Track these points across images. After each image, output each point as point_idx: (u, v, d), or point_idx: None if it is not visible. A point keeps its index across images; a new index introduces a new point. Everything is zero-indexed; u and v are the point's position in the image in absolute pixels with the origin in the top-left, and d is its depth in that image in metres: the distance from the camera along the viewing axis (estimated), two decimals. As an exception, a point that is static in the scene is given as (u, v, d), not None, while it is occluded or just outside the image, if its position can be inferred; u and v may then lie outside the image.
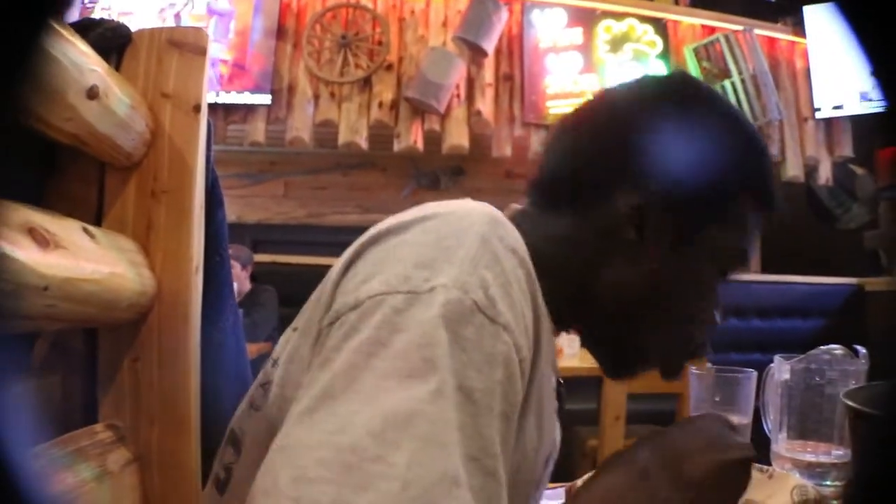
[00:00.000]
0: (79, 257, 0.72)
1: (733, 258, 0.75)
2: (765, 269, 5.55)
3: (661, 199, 0.70)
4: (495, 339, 0.50)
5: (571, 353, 2.86)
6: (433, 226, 0.56)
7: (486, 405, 0.48)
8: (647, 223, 0.70)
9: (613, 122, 0.75)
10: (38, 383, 0.86)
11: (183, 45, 0.93)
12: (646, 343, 0.75)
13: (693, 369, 1.01)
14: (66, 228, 0.74)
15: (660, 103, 0.75)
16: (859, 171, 5.16)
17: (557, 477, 0.90)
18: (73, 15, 4.18)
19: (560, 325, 0.73)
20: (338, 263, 0.60)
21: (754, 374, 1.02)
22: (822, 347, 1.05)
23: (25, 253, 0.62)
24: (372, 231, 0.59)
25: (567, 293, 0.70)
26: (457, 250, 0.53)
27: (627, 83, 0.79)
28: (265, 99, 4.24)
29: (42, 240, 0.66)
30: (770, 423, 1.11)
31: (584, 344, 0.79)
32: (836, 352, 1.04)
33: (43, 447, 0.72)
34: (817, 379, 1.03)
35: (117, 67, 0.92)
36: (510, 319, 0.52)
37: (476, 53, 4.35)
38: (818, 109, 4.73)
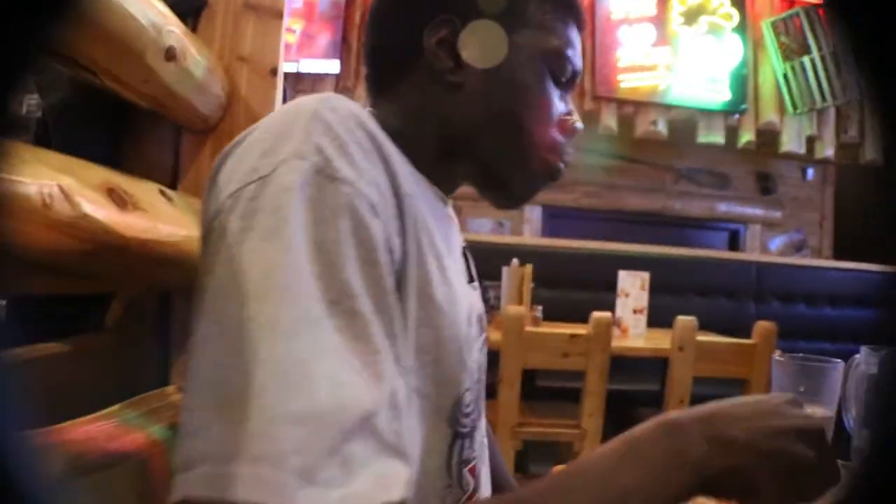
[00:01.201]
0: (156, 219, 0.72)
1: (554, 60, 0.78)
2: (836, 256, 5.38)
3: (461, 23, 0.75)
4: (336, 193, 0.53)
5: (637, 332, 2.82)
6: (270, 121, 0.60)
7: (339, 252, 0.51)
8: (458, 49, 0.75)
9: None
10: (111, 344, 0.87)
11: (259, 8, 0.91)
12: (513, 158, 0.78)
13: (776, 356, 0.97)
14: (144, 190, 0.73)
15: None
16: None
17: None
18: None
19: (448, 187, 0.80)
20: None
21: (841, 364, 0.96)
22: (914, 339, 0.99)
23: (105, 213, 0.62)
24: (228, 145, 0.62)
25: (433, 154, 0.77)
26: (291, 130, 0.56)
27: None
28: (334, 67, 4.24)
29: (121, 200, 0.66)
30: (852, 419, 1.06)
31: (476, 189, 0.83)
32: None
33: (116, 408, 0.72)
34: (908, 373, 0.97)
35: (194, 30, 0.91)
36: (349, 173, 0.55)
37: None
38: (903, 89, 4.52)
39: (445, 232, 0.75)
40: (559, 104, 0.80)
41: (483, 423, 0.80)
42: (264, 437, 0.44)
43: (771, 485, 0.57)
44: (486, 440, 0.84)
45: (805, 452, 0.58)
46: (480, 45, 0.76)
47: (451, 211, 0.84)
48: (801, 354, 0.97)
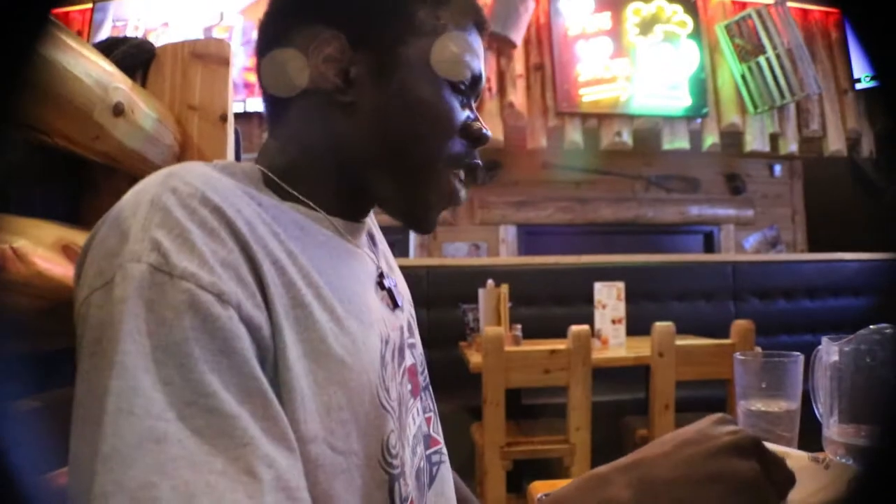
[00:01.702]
0: (114, 272, 0.73)
1: (453, 69, 0.74)
2: (812, 248, 5.46)
3: (345, 39, 0.71)
4: (176, 291, 0.51)
5: (617, 343, 2.84)
6: (116, 212, 0.57)
7: (186, 352, 0.50)
8: (347, 65, 0.71)
9: (276, 5, 0.76)
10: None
11: (206, 56, 0.93)
12: (418, 176, 0.74)
13: (738, 355, 0.99)
14: (101, 244, 0.74)
15: None
16: (905, 141, 5.02)
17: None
18: (103, 33, 4.24)
19: (353, 214, 0.76)
20: None
21: (801, 357, 0.99)
22: (871, 327, 1.02)
23: (61, 270, 0.63)
24: (88, 237, 0.61)
25: (331, 183, 0.73)
26: (131, 224, 0.54)
27: None
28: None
29: (76, 256, 0.67)
30: (820, 408, 1.08)
31: (387, 212, 0.78)
32: (886, 331, 1.00)
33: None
34: (867, 360, 0.99)
35: (143, 83, 0.93)
36: (188, 266, 0.52)
37: (505, 45, 4.33)
38: (857, 81, 4.62)
39: (343, 270, 0.71)
40: (460, 112, 0.76)
41: (410, 453, 0.77)
42: None
43: None
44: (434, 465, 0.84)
45: (744, 465, 0.57)
46: (371, 61, 0.72)
47: (363, 239, 0.80)
48: (760, 350, 0.99)
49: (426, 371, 0.89)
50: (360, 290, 0.72)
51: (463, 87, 0.75)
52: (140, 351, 0.49)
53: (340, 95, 0.71)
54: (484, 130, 0.77)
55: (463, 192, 0.78)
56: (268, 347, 0.56)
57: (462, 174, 0.77)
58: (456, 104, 0.75)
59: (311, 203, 0.71)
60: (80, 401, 0.50)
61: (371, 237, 0.84)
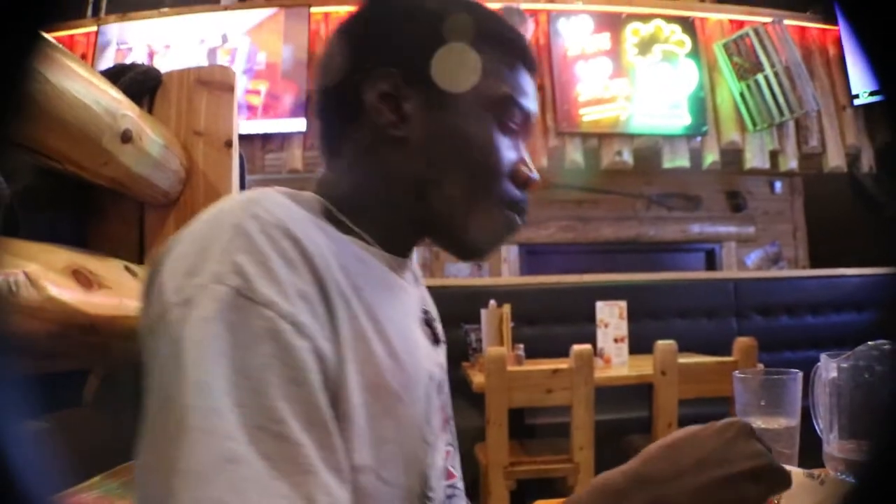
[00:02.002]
0: (122, 295, 0.74)
1: (504, 109, 0.75)
2: (813, 264, 5.46)
3: (401, 76, 0.72)
4: (258, 318, 0.53)
5: (620, 361, 2.84)
6: (195, 231, 0.59)
7: (262, 378, 0.51)
8: (400, 101, 0.72)
9: (339, 33, 0.78)
10: (90, 417, 0.88)
11: (211, 83, 0.95)
12: (467, 212, 0.75)
13: (737, 373, 1.00)
14: (109, 268, 0.76)
15: (371, 4, 0.79)
16: (905, 156, 5.04)
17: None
18: (107, 61, 4.27)
19: (401, 249, 0.77)
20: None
21: (800, 374, 0.99)
22: (869, 343, 1.02)
23: (71, 294, 0.65)
24: (163, 249, 0.62)
25: (384, 216, 0.74)
26: (212, 246, 0.56)
27: None
28: (300, 125, 4.30)
29: (86, 281, 0.68)
30: (821, 424, 1.08)
31: (436, 244, 0.79)
32: (885, 347, 1.01)
33: (97, 479, 0.74)
34: (866, 376, 1.00)
35: (150, 109, 0.95)
36: (269, 294, 0.54)
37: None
38: (856, 97, 4.64)
39: (397, 305, 0.73)
40: (510, 153, 0.77)
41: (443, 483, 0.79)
42: None
43: None
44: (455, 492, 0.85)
45: (753, 491, 0.60)
46: (425, 98, 0.73)
47: (409, 275, 0.80)
48: (762, 367, 1.00)
49: (450, 403, 0.90)
50: (410, 325, 0.74)
51: (513, 126, 0.76)
52: (220, 373, 0.51)
53: (394, 130, 0.72)
54: (531, 175, 0.78)
55: (516, 222, 0.78)
56: (333, 379, 0.58)
57: (516, 207, 0.78)
58: (505, 145, 0.76)
59: (367, 237, 0.72)
60: (154, 412, 0.52)
61: (413, 274, 0.85)
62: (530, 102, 0.78)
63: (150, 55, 4.41)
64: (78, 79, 0.71)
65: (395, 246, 0.76)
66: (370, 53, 0.74)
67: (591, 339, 2.73)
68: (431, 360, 0.77)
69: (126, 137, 0.78)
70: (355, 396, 0.60)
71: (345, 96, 0.74)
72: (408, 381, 0.67)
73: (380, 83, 0.72)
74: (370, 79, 0.72)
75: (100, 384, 0.92)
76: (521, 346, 2.83)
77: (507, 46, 0.77)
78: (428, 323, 0.81)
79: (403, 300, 0.75)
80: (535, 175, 0.78)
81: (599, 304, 2.89)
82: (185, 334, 0.52)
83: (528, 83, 0.78)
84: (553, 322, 3.70)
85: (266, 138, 4.35)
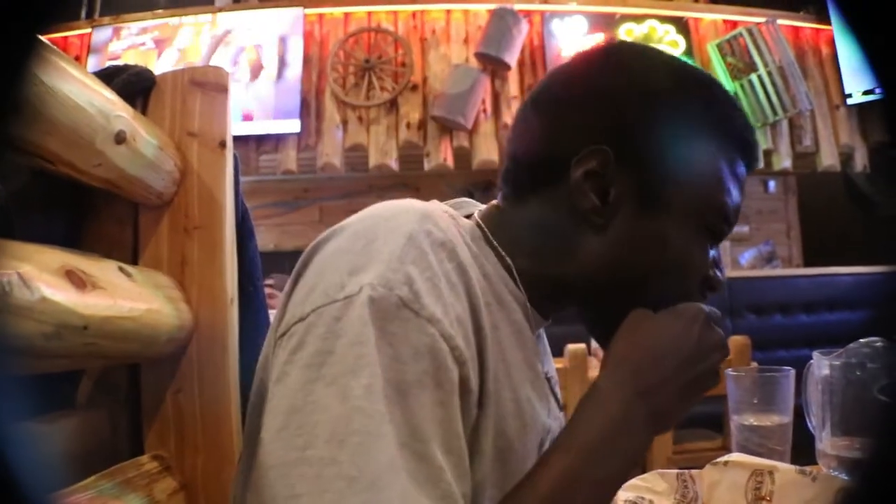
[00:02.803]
0: (116, 296, 0.74)
1: (714, 214, 0.70)
2: (807, 263, 5.47)
3: (617, 159, 0.66)
4: (420, 332, 0.53)
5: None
6: (364, 229, 0.59)
7: (415, 395, 0.52)
8: (607, 187, 0.67)
9: (559, 95, 0.72)
10: (84, 418, 0.88)
11: (205, 84, 0.96)
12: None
13: (729, 371, 1.01)
14: (103, 269, 0.76)
15: (599, 63, 0.73)
16: (898, 155, 5.05)
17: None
18: (101, 62, 4.27)
19: (546, 312, 0.73)
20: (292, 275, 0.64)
21: (792, 372, 1.00)
22: (861, 340, 1.03)
23: (64, 295, 0.65)
24: (316, 240, 0.63)
25: (544, 280, 0.70)
26: (383, 249, 0.55)
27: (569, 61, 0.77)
28: (294, 126, 4.30)
29: (79, 281, 0.69)
30: (813, 421, 1.09)
31: (583, 321, 0.76)
32: (876, 344, 1.02)
33: (91, 480, 0.74)
34: (858, 373, 1.01)
35: (144, 110, 0.95)
36: (436, 311, 0.54)
37: (499, 67, 4.37)
38: (849, 96, 4.65)
39: (527, 360, 0.69)
40: (708, 261, 0.71)
41: None
42: None
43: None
44: None
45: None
46: (635, 191, 0.67)
47: (537, 335, 0.75)
48: (756, 366, 1.01)
49: None
50: (533, 380, 0.70)
51: (716, 232, 0.71)
52: (381, 380, 0.50)
53: (594, 216, 0.67)
54: (720, 279, 0.73)
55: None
56: (469, 411, 0.58)
57: None
58: (706, 253, 0.71)
59: (519, 282, 0.69)
60: (294, 406, 0.51)
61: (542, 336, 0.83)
62: (738, 207, 0.72)
63: (144, 56, 4.41)
64: (71, 80, 0.71)
65: (541, 306, 0.72)
66: (584, 122, 0.68)
67: (586, 338, 2.73)
68: (553, 416, 0.74)
69: (120, 138, 0.78)
70: (488, 434, 0.60)
71: (549, 157, 0.70)
72: (524, 435, 0.66)
73: (590, 160, 0.66)
74: (583, 153, 0.67)
75: (93, 385, 0.92)
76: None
77: (738, 144, 0.72)
78: (552, 388, 0.78)
79: (530, 355, 0.71)
80: (723, 277, 0.73)
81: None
82: (341, 332, 0.52)
83: (743, 188, 0.73)
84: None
85: (260, 139, 4.35)
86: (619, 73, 0.71)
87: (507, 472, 0.63)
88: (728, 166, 0.70)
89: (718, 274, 0.72)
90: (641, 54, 0.75)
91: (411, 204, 0.63)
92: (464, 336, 0.56)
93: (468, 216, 0.73)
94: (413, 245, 0.56)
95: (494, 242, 0.70)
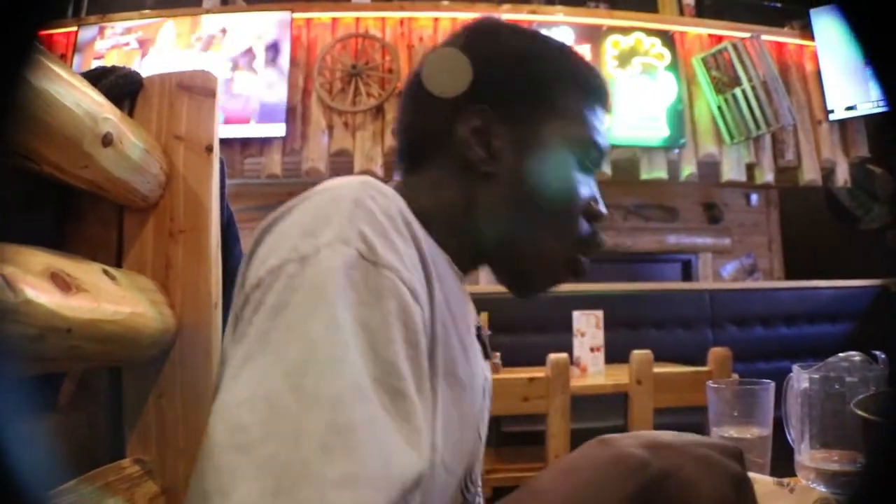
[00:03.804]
0: (100, 299, 0.74)
1: (584, 149, 0.79)
2: (788, 276, 5.53)
3: (493, 113, 0.76)
4: (379, 278, 0.54)
5: (596, 370, 2.86)
6: (312, 202, 0.61)
7: (384, 334, 0.52)
8: (490, 138, 0.76)
9: (432, 68, 0.81)
10: (65, 421, 0.88)
11: (192, 88, 0.95)
12: (538, 252, 0.79)
13: (710, 383, 1.01)
14: (87, 271, 0.76)
15: (464, 36, 0.83)
16: (877, 170, 5.13)
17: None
18: (87, 62, 4.24)
19: (465, 267, 0.80)
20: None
21: (772, 384, 1.01)
22: (840, 354, 1.04)
23: (48, 297, 0.65)
24: (262, 223, 0.64)
25: (456, 236, 0.77)
26: (333, 215, 0.57)
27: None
28: (279, 130, 4.29)
29: (63, 284, 0.68)
30: (792, 433, 1.10)
31: (494, 274, 0.83)
32: (855, 358, 1.03)
33: (71, 484, 0.74)
34: (837, 387, 1.02)
35: (130, 113, 0.94)
36: (392, 260, 0.56)
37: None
38: (831, 111, 4.71)
39: (463, 310, 0.75)
40: (586, 190, 0.80)
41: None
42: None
43: (711, 488, 0.56)
44: None
45: (734, 465, 0.60)
46: (514, 137, 0.77)
47: (465, 289, 0.82)
48: (737, 378, 1.02)
49: None
50: (471, 330, 0.78)
51: (590, 165, 0.81)
52: (347, 318, 0.51)
53: (483, 166, 0.76)
54: (602, 210, 0.81)
55: (584, 267, 0.82)
56: (429, 356, 0.59)
57: (588, 245, 0.81)
58: (582, 182, 0.80)
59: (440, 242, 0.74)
60: (249, 354, 0.51)
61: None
62: (605, 139, 0.83)
63: (128, 57, 4.39)
64: (59, 80, 0.70)
65: (459, 263, 0.78)
66: (468, 88, 0.77)
67: (568, 348, 2.75)
68: (484, 367, 0.81)
69: (107, 141, 0.78)
70: (440, 379, 0.62)
71: (435, 123, 0.79)
72: (472, 376, 0.70)
73: (473, 118, 0.76)
74: (464, 113, 0.76)
75: (75, 388, 0.91)
76: (498, 354, 2.84)
77: (592, 90, 0.82)
78: (479, 337, 0.83)
79: (465, 309, 0.77)
80: (604, 209, 0.82)
81: (576, 314, 2.91)
82: (305, 282, 0.52)
83: (604, 125, 0.83)
84: (530, 331, 3.71)
85: (245, 143, 4.34)
86: (487, 41, 0.82)
87: (464, 415, 0.67)
88: (589, 110, 0.81)
89: (600, 207, 0.81)
90: (504, 25, 0.87)
91: (352, 177, 0.65)
92: (419, 281, 0.59)
93: None
94: (361, 207, 0.58)
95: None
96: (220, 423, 0.48)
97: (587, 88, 0.81)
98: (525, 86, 0.78)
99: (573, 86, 0.80)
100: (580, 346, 2.88)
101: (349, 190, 0.60)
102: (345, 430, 0.46)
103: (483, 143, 0.76)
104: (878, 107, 4.37)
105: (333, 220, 0.56)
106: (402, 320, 0.54)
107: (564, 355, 2.36)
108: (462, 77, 0.77)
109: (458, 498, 0.70)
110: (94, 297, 0.73)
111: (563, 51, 0.84)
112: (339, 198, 0.59)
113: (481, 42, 0.82)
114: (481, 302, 3.19)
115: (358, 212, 0.58)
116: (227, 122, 4.22)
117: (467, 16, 4.46)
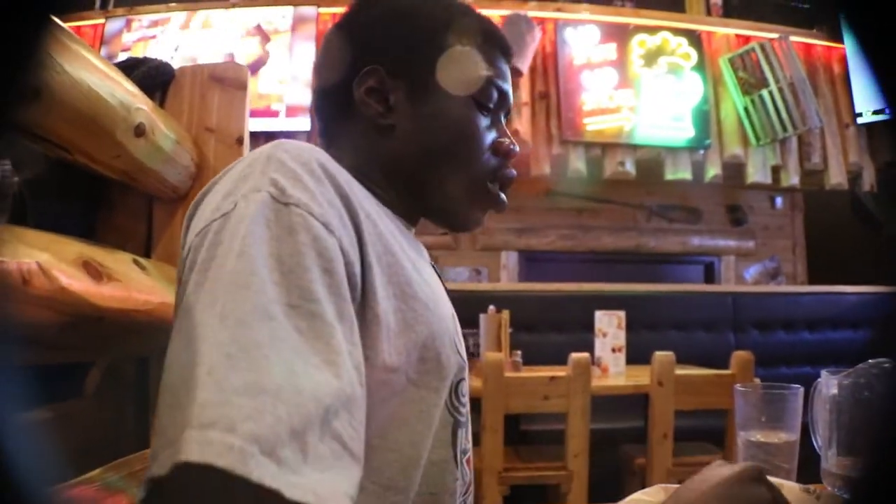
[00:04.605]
0: (131, 289, 0.74)
1: (480, 89, 0.82)
2: (812, 280, 5.46)
3: (385, 70, 0.80)
4: (290, 214, 0.56)
5: (617, 371, 2.84)
6: (233, 169, 0.64)
7: (297, 262, 0.53)
8: (386, 93, 0.80)
9: (335, 35, 0.86)
10: (92, 409, 0.88)
11: (224, 80, 0.96)
12: (449, 192, 0.82)
13: (738, 386, 1.00)
14: (118, 261, 0.76)
15: (357, 3, 0.87)
16: (906, 176, 5.06)
17: (606, 497, 0.90)
18: (114, 54, 4.26)
19: (410, 218, 0.85)
20: None
21: (801, 389, 1.00)
22: (870, 361, 1.03)
23: (81, 285, 0.65)
24: (198, 195, 0.66)
25: (386, 190, 0.81)
26: (250, 172, 0.60)
27: None
28: (305, 124, 4.31)
29: (96, 273, 0.68)
30: (819, 440, 1.09)
31: (429, 219, 0.88)
32: (885, 365, 1.01)
33: (98, 471, 0.74)
34: (866, 393, 1.00)
35: (162, 104, 0.95)
36: (302, 197, 0.57)
37: (511, 73, 4.37)
38: (859, 115, 4.65)
39: (416, 249, 0.81)
40: (488, 131, 0.84)
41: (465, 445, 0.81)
42: (212, 405, 0.43)
43: None
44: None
45: (759, 489, 0.63)
46: (407, 89, 0.81)
47: (416, 240, 0.87)
48: (760, 382, 1.01)
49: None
50: (428, 268, 0.82)
51: (491, 106, 0.84)
52: (262, 253, 0.52)
53: (381, 119, 0.81)
54: (512, 146, 0.85)
55: (502, 198, 0.86)
56: (355, 284, 0.60)
57: (498, 184, 0.85)
58: (484, 123, 0.83)
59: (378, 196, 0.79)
60: (186, 309, 0.52)
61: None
62: (505, 83, 0.86)
63: (154, 50, 4.42)
64: (94, 70, 0.71)
65: (404, 216, 0.83)
66: (356, 53, 0.82)
67: (589, 348, 2.73)
68: (445, 298, 0.82)
69: (139, 131, 0.78)
70: (385, 302, 0.64)
71: (338, 94, 0.83)
72: (435, 296, 0.73)
73: (366, 79, 0.80)
74: (358, 76, 0.80)
75: (102, 376, 0.92)
76: (519, 352, 2.83)
77: (483, 35, 0.85)
78: (440, 277, 0.87)
79: (418, 249, 0.82)
80: (515, 147, 0.85)
81: (598, 314, 2.89)
82: (226, 234, 0.54)
83: (503, 66, 0.86)
84: (551, 329, 3.70)
85: (269, 137, 4.35)
86: (372, 3, 0.85)
87: (433, 333, 0.69)
88: (482, 52, 0.84)
89: (507, 141, 0.84)
90: None
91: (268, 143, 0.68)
92: (338, 216, 0.60)
93: None
94: (272, 160, 0.60)
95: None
96: (169, 347, 0.51)
97: (476, 31, 0.84)
98: (411, 40, 0.82)
99: (462, 32, 0.83)
100: (602, 347, 2.87)
101: (263, 150, 0.63)
102: (250, 347, 0.46)
103: (381, 101, 0.80)
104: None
105: (249, 177, 0.59)
106: (315, 248, 0.55)
107: (586, 355, 2.35)
108: (350, 43, 0.82)
109: (445, 416, 0.72)
110: (125, 286, 0.73)
111: (450, 3, 0.87)
112: (254, 158, 0.62)
113: (368, 5, 0.86)
114: (503, 300, 3.20)
115: (270, 164, 0.60)
116: (253, 115, 4.24)
117: (492, 13, 4.45)
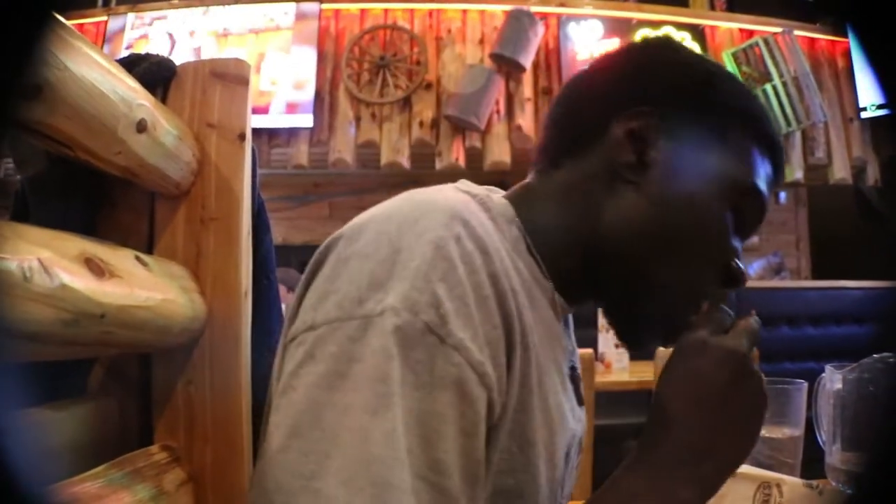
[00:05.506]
0: (133, 285, 0.74)
1: (745, 196, 0.71)
2: (816, 276, 5.46)
3: (657, 123, 0.69)
4: (446, 362, 0.51)
5: (621, 366, 2.84)
6: (386, 232, 0.56)
7: (437, 427, 0.50)
8: (646, 146, 0.69)
9: (607, 68, 0.77)
10: (95, 406, 0.88)
11: (225, 75, 0.95)
12: (659, 291, 0.70)
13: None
14: (120, 257, 0.76)
15: (643, 43, 0.81)
16: (910, 170, 5.04)
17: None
18: (116, 51, 4.28)
19: (574, 299, 0.74)
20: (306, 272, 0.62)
21: (804, 385, 1.00)
22: (874, 356, 1.03)
23: (83, 282, 0.65)
24: (332, 236, 0.61)
25: (571, 257, 0.71)
26: (408, 263, 0.53)
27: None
28: (307, 121, 4.30)
29: (98, 269, 0.68)
30: (823, 435, 1.09)
31: (605, 315, 0.78)
32: (889, 360, 1.01)
33: (101, 469, 0.74)
34: (870, 388, 1.00)
35: (163, 100, 0.95)
36: (464, 337, 0.52)
37: (514, 69, 4.36)
38: (863, 109, 4.64)
39: (556, 362, 0.70)
40: (732, 245, 0.72)
41: None
42: None
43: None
44: None
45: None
46: (672, 155, 0.69)
47: (562, 327, 0.76)
48: (765, 378, 1.00)
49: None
50: (560, 381, 0.71)
51: (745, 224, 0.73)
52: (401, 410, 0.49)
53: (628, 172, 0.69)
54: (742, 273, 0.73)
55: (673, 336, 0.70)
56: (493, 427, 0.57)
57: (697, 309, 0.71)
58: (731, 236, 0.72)
59: (545, 270, 0.69)
60: (298, 428, 0.50)
61: (565, 320, 0.81)
62: (765, 209, 0.74)
63: (159, 47, 4.42)
64: (96, 67, 0.71)
65: (565, 291, 0.73)
66: (630, 88, 0.71)
67: (592, 343, 2.73)
68: (576, 417, 0.75)
69: (141, 127, 0.78)
70: (503, 441, 0.59)
71: (592, 115, 0.72)
72: (552, 439, 0.66)
73: (633, 119, 0.69)
74: (624, 112, 0.70)
75: (104, 374, 0.92)
76: (522, 348, 2.83)
77: (766, 137, 0.74)
78: (574, 381, 0.78)
79: (557, 353, 0.72)
80: (745, 274, 0.73)
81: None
82: (364, 355, 0.50)
83: (771, 181, 0.75)
84: (554, 325, 3.69)
85: (272, 133, 4.36)
86: (668, 53, 0.76)
87: (533, 483, 0.63)
88: (760, 158, 0.73)
89: (741, 266, 0.73)
90: (687, 48, 0.81)
91: (441, 199, 0.60)
92: (492, 358, 0.54)
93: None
94: (441, 256, 0.53)
95: (521, 227, 0.68)
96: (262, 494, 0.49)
97: (762, 134, 0.73)
98: (699, 103, 0.71)
99: (748, 126, 0.72)
100: (605, 342, 2.87)
101: (434, 226, 0.55)
102: None
103: (636, 150, 0.69)
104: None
105: (407, 271, 0.52)
106: (460, 409, 0.51)
107: (589, 350, 2.34)
108: (631, 75, 0.73)
109: None
110: (127, 283, 0.73)
111: (745, 89, 0.78)
112: (419, 235, 0.54)
113: (661, 52, 0.76)
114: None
115: (437, 264, 0.52)
116: (255, 111, 4.24)
117: (496, 8, 4.44)
